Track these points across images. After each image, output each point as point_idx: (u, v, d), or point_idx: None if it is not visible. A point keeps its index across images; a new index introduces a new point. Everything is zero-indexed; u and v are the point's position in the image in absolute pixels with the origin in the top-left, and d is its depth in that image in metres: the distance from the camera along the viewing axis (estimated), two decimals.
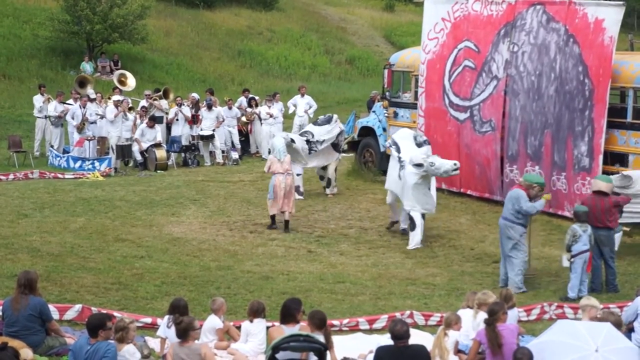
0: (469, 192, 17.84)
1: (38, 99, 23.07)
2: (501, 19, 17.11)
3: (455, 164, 14.29)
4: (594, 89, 15.28)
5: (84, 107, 21.89)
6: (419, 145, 14.97)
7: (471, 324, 9.20)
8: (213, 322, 9.23)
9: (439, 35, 18.34)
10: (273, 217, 15.40)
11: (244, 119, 24.03)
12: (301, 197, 17.59)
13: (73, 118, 21.86)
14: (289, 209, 15.29)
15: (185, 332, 8.13)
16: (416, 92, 18.94)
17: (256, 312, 9.16)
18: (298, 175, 17.55)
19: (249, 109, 24.12)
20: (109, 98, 22.87)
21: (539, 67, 16.33)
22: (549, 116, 16.14)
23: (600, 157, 15.21)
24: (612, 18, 15.18)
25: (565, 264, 12.08)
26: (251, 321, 9.13)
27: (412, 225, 14.48)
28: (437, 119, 18.33)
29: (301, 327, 8.31)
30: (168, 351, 8.35)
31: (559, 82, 15.93)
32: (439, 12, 18.36)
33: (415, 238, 14.44)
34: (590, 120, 15.37)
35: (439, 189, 18.77)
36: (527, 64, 16.58)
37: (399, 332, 7.74)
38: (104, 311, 9.38)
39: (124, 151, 21.28)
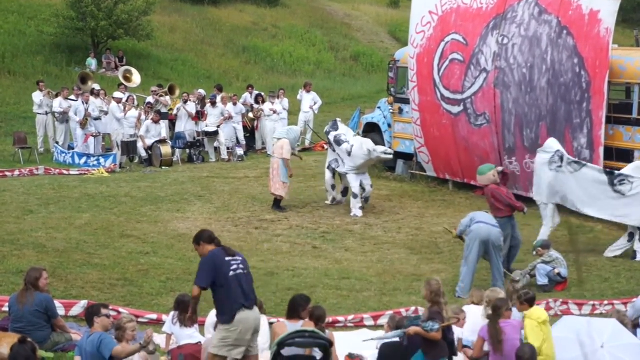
0: (472, 182, 17.62)
1: (37, 95, 23.09)
2: (491, 12, 17.07)
3: None
4: (591, 81, 15.22)
5: (87, 103, 21.95)
6: None
7: (481, 320, 9.10)
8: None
9: (425, 29, 18.33)
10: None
11: (250, 115, 24.03)
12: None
13: (76, 114, 21.88)
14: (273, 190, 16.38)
15: None
16: None
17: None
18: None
19: (255, 106, 24.12)
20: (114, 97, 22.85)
21: (530, 59, 16.24)
22: (543, 108, 16.09)
23: (601, 149, 15.15)
24: (608, 9, 15.12)
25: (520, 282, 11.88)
26: None
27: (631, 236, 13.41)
28: (432, 112, 18.31)
29: (304, 324, 8.31)
30: None
31: (552, 74, 15.84)
32: (427, 5, 18.37)
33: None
34: (589, 112, 15.30)
35: (443, 180, 18.87)
36: (517, 56, 16.51)
37: (402, 324, 7.77)
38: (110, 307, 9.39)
39: (129, 147, 21.28)
